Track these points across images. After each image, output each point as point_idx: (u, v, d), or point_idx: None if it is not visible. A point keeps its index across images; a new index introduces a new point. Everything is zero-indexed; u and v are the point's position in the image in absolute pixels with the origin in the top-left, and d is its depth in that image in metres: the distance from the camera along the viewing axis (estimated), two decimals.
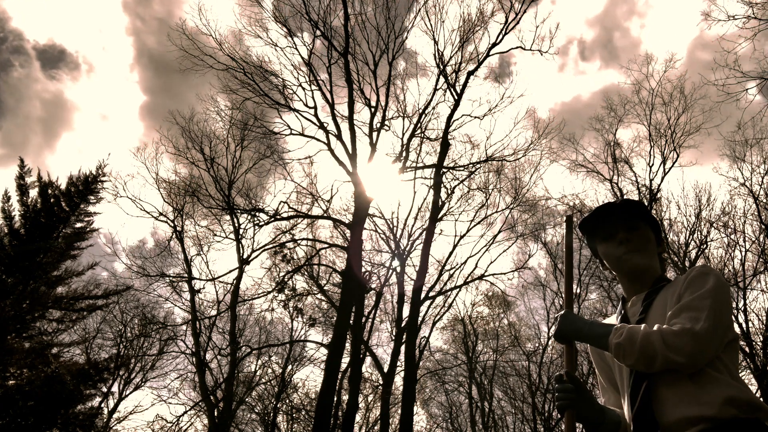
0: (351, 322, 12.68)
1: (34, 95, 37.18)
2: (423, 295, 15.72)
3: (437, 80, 15.45)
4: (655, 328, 1.46)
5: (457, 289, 18.28)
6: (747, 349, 13.59)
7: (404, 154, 15.39)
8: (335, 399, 14.31)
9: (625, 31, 35.18)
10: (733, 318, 1.64)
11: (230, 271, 16.84)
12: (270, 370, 20.62)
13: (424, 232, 15.50)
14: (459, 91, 15.38)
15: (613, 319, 1.80)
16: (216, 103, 16.79)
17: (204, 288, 18.19)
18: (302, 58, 14.65)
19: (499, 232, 17.87)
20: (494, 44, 15.26)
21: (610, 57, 36.70)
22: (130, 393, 19.67)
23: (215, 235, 17.10)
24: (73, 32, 36.21)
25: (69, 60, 37.27)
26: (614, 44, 36.43)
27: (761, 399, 1.45)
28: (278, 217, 15.42)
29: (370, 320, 16.97)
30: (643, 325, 1.50)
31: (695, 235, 15.71)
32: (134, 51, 36.64)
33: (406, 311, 15.64)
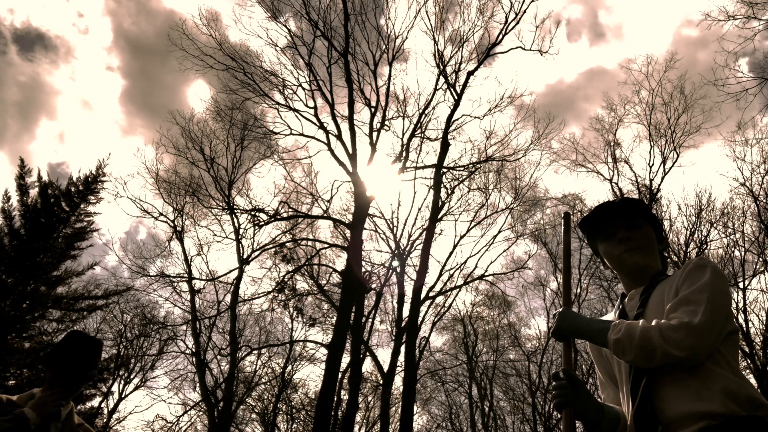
0: (351, 322, 12.67)
1: (11, 80, 36.55)
2: (423, 295, 15.72)
3: (437, 80, 15.47)
4: (654, 323, 1.46)
5: (457, 289, 18.29)
6: (747, 349, 13.59)
7: (404, 154, 15.40)
8: (335, 399, 14.31)
9: (610, 9, 34.77)
10: (732, 310, 1.63)
11: (230, 271, 16.83)
12: (270, 370, 20.63)
13: (424, 232, 15.49)
14: (459, 91, 15.39)
15: (611, 315, 1.79)
16: (216, 103, 16.78)
17: (204, 288, 18.18)
18: (302, 57, 14.68)
19: (499, 232, 17.88)
20: (494, 44, 15.28)
21: (596, 37, 36.25)
22: (130, 393, 19.67)
23: (215, 235, 17.11)
24: (51, 15, 35.39)
25: (47, 43, 36.64)
26: (599, 23, 36.05)
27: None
28: (278, 217, 15.42)
29: (370, 320, 16.97)
30: (641, 321, 1.49)
31: (695, 235, 15.72)
32: (112, 34, 36.22)
33: (406, 311, 15.65)
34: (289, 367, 20.09)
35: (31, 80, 37.11)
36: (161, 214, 17.47)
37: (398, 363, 15.44)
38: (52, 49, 36.27)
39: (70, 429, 2.24)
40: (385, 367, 15.63)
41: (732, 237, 15.32)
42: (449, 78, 15.43)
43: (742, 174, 14.71)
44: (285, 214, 15.67)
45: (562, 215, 2.01)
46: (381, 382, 16.29)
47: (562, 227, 1.96)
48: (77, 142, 37.05)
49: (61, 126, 38.54)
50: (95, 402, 13.17)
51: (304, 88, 14.91)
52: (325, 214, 15.85)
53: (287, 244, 16.27)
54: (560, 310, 1.68)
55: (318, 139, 14.87)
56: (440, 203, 15.85)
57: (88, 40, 35.96)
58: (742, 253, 15.07)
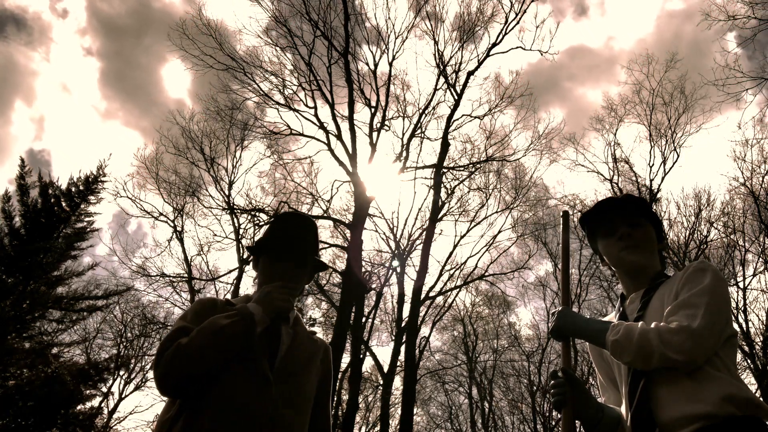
0: (351, 322, 12.67)
1: None
2: (423, 295, 15.71)
3: (437, 80, 15.49)
4: (653, 325, 1.45)
5: (457, 289, 18.30)
6: (747, 349, 13.59)
7: (404, 154, 15.41)
8: (335, 399, 14.29)
9: None
10: (732, 314, 1.62)
11: (230, 271, 16.86)
12: None
13: (424, 232, 15.50)
14: (459, 92, 15.41)
15: (611, 317, 1.79)
16: (217, 103, 16.78)
17: (204, 288, 18.17)
18: (302, 57, 14.69)
19: (499, 232, 17.88)
20: (494, 44, 15.30)
21: (579, 14, 35.54)
22: (130, 393, 19.67)
23: (215, 235, 17.12)
24: None
25: (20, 24, 35.82)
26: None
27: (760, 399, 1.44)
28: None
29: (370, 320, 16.97)
30: (640, 323, 1.49)
31: (695, 235, 15.73)
32: (86, 13, 35.47)
33: (406, 311, 15.65)
34: None
35: (5, 60, 36.02)
36: (161, 214, 17.48)
37: (398, 363, 15.45)
38: (27, 29, 35.53)
39: (303, 335, 1.78)
40: (385, 367, 15.64)
41: (732, 237, 15.34)
42: (449, 78, 15.46)
43: (742, 174, 14.73)
44: None
45: (561, 214, 2.00)
46: (381, 382, 16.29)
47: (561, 226, 1.95)
48: (58, 128, 36.08)
49: (40, 111, 37.58)
50: (95, 402, 13.16)
51: (304, 88, 14.94)
52: (325, 214, 15.85)
53: None
54: (559, 309, 1.68)
55: (318, 139, 14.90)
56: (440, 203, 15.86)
57: (64, 22, 35.20)
58: (742, 253, 15.08)
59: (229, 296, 16.62)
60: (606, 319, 1.79)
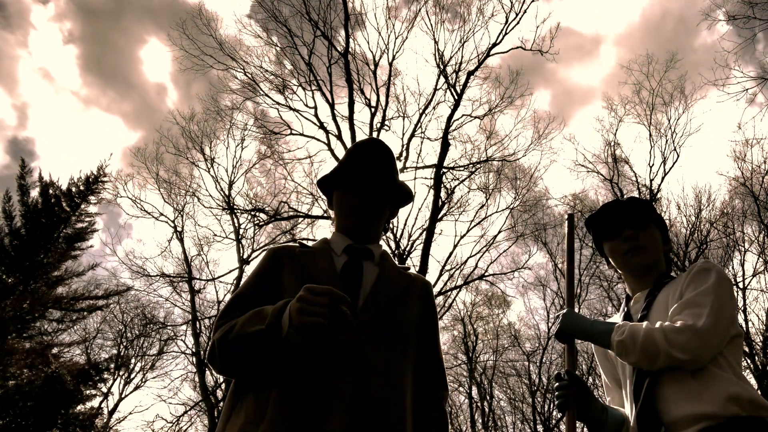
0: None
1: None
2: None
3: (437, 80, 15.50)
4: (657, 325, 1.45)
5: (457, 289, 18.30)
6: (747, 349, 13.59)
7: (404, 154, 15.42)
8: None
9: None
10: (736, 314, 1.64)
11: (230, 271, 16.84)
12: None
13: (424, 232, 15.50)
14: (459, 92, 15.41)
15: (616, 317, 1.79)
16: (216, 104, 16.78)
17: (204, 288, 18.17)
18: (302, 57, 14.70)
19: (500, 232, 17.86)
20: (494, 44, 15.30)
21: None
22: (130, 393, 19.66)
23: (215, 235, 17.11)
24: None
25: None
26: None
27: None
28: (278, 217, 15.43)
29: None
30: (645, 323, 1.49)
31: (695, 235, 15.72)
32: None
33: None
34: None
35: None
36: (161, 214, 17.47)
37: None
38: (5, 13, 34.64)
39: (392, 271, 1.56)
40: None
41: (732, 237, 15.34)
42: (449, 78, 15.47)
43: (743, 174, 14.73)
44: (285, 214, 15.68)
45: (566, 217, 2.00)
46: None
47: (566, 229, 1.95)
48: (42, 116, 34.81)
49: (22, 98, 36.74)
50: (95, 402, 13.16)
51: (304, 88, 14.96)
52: (325, 214, 15.85)
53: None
54: (563, 311, 1.67)
55: (318, 139, 14.93)
56: (440, 203, 15.86)
57: (44, 8, 34.51)
58: (743, 253, 15.09)
59: (229, 297, 16.67)
60: (612, 319, 1.79)
